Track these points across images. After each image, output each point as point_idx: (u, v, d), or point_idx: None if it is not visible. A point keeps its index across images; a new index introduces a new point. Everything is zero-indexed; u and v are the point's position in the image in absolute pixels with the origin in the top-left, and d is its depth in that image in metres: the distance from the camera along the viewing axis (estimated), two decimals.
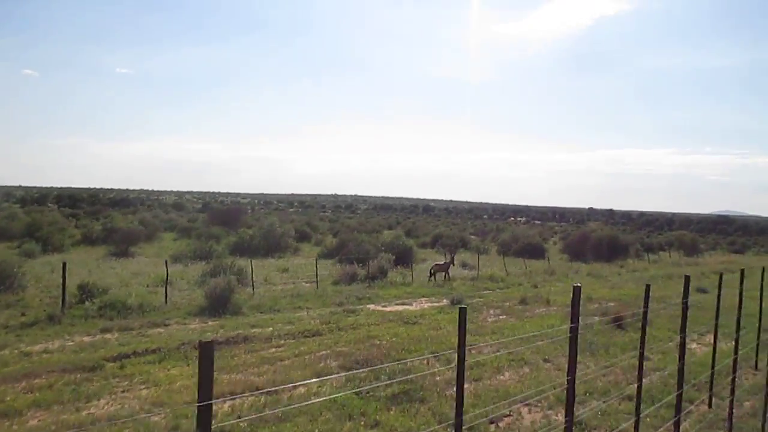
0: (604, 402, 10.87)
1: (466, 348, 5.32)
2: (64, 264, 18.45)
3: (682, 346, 9.16)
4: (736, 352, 11.28)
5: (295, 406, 9.70)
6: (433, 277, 28.66)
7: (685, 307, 9.10)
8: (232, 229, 51.92)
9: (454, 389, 11.64)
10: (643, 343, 8.60)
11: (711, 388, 11.42)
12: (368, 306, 21.57)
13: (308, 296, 22.54)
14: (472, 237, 64.92)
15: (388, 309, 21.14)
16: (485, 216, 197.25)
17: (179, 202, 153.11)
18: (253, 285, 23.09)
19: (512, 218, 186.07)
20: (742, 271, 11.89)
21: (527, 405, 10.57)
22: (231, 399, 10.23)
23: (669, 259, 53.42)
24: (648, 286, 8.61)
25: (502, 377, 12.40)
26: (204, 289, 19.92)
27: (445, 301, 22.60)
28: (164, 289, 20.32)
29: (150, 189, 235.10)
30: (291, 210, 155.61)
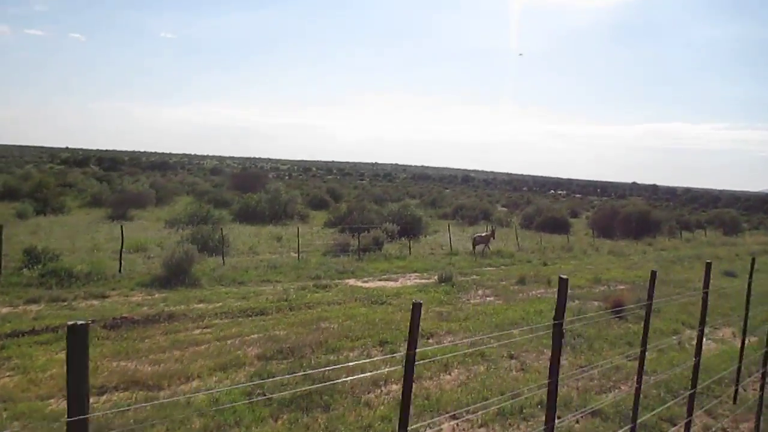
0: (559, 419, 8.58)
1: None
2: (0, 226, 16.71)
3: (699, 341, 8.30)
4: None
5: (167, 403, 7.73)
6: (483, 247, 27.93)
7: (705, 297, 8.15)
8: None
9: (377, 393, 9.59)
10: (645, 340, 7.40)
11: (737, 382, 9.37)
12: (346, 281, 19.49)
13: (285, 268, 20.54)
14: (502, 209, 62.24)
15: (366, 285, 19.03)
16: (524, 188, 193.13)
17: (218, 166, 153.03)
18: (223, 254, 21.16)
19: (552, 191, 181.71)
20: None
21: (456, 418, 8.36)
22: (98, 395, 8.33)
23: (705, 238, 49.87)
24: (654, 273, 7.27)
25: (446, 377, 10.16)
26: (162, 258, 18.07)
27: (435, 278, 20.33)
28: (120, 256, 18.50)
29: (192, 153, 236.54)
30: (329, 177, 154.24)
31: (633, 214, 44.76)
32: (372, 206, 35.16)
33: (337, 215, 33.61)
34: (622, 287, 20.70)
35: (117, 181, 58.72)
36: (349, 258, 23.65)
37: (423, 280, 20.22)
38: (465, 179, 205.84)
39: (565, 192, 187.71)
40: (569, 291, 19.45)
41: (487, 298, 17.55)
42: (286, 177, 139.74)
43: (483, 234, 29.50)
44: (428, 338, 12.58)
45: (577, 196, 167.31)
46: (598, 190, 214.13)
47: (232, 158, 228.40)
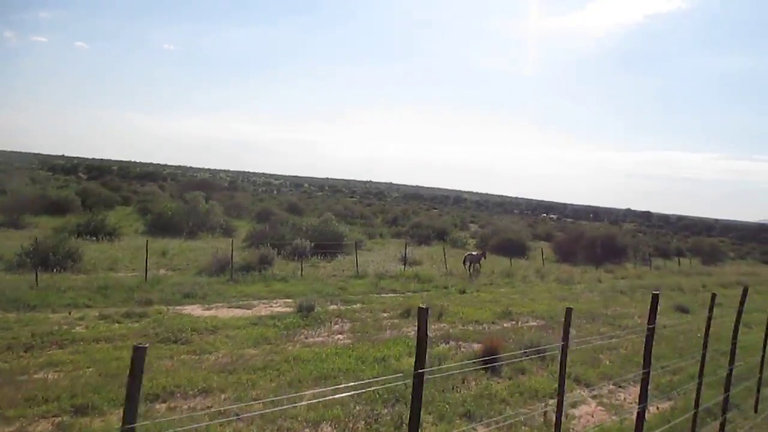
0: None
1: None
2: None
3: (644, 390, 6.97)
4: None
5: None
6: (469, 266, 27.29)
7: (649, 336, 7.01)
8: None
9: None
10: (560, 404, 6.10)
11: None
12: (184, 308, 15.45)
13: (115, 290, 16.51)
14: (476, 229, 58.18)
15: (205, 314, 14.98)
16: (515, 211, 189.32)
17: (206, 179, 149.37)
18: (37, 274, 17.02)
19: (544, 215, 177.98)
20: (745, 290, 9.38)
21: None
22: None
23: (678, 267, 45.69)
24: (569, 311, 6.21)
25: None
26: None
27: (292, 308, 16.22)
28: None
29: (188, 165, 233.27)
30: (320, 194, 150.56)
31: (598, 238, 40.64)
32: (295, 220, 31.06)
33: (254, 230, 29.56)
34: (533, 323, 16.64)
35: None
36: (222, 278, 19.61)
37: (286, 309, 16.13)
38: (457, 200, 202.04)
39: (556, 216, 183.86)
40: (448, 329, 15.03)
41: (337, 336, 13.47)
42: (260, 190, 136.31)
43: (474, 253, 28.90)
44: (159, 400, 8.52)
45: (569, 220, 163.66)
46: (591, 215, 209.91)
47: (226, 171, 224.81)
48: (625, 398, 11.00)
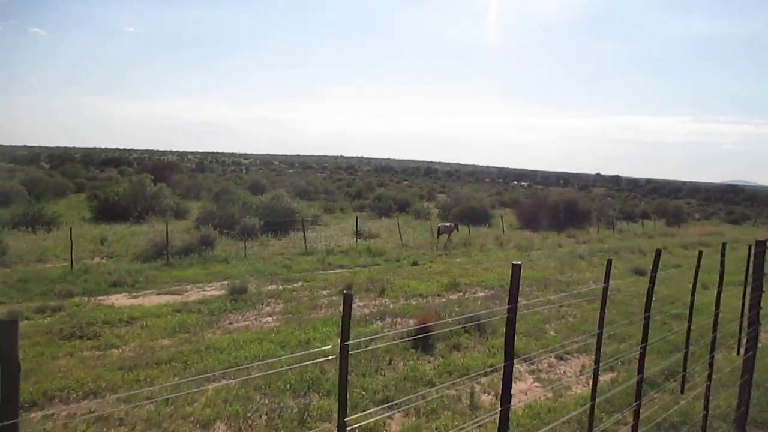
0: None
1: None
2: None
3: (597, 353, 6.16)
4: None
5: None
6: (447, 236, 27.91)
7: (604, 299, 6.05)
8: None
9: None
10: (507, 379, 4.32)
11: None
12: (108, 297, 14.42)
13: (43, 281, 15.42)
14: (444, 198, 57.41)
15: (130, 302, 13.97)
16: (487, 180, 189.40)
17: (172, 162, 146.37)
18: None
19: (515, 182, 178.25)
20: (700, 253, 8.16)
21: None
22: None
23: (641, 229, 45.51)
24: (517, 268, 4.31)
25: None
26: None
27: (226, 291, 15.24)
28: None
29: (156, 149, 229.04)
30: (290, 171, 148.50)
31: (560, 203, 40.11)
32: (247, 198, 29.90)
33: (205, 211, 28.34)
34: (481, 294, 15.89)
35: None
36: (157, 263, 18.54)
37: (221, 292, 15.15)
38: (427, 171, 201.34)
39: (527, 183, 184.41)
40: (389, 304, 14.05)
41: (266, 319, 12.56)
42: (228, 170, 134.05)
43: (447, 224, 29.24)
44: (36, 407, 7.54)
45: (539, 187, 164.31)
46: (561, 181, 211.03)
47: (195, 153, 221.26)
48: (565, 371, 10.26)
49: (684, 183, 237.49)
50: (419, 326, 10.73)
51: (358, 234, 26.82)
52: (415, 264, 20.84)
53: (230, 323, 12.15)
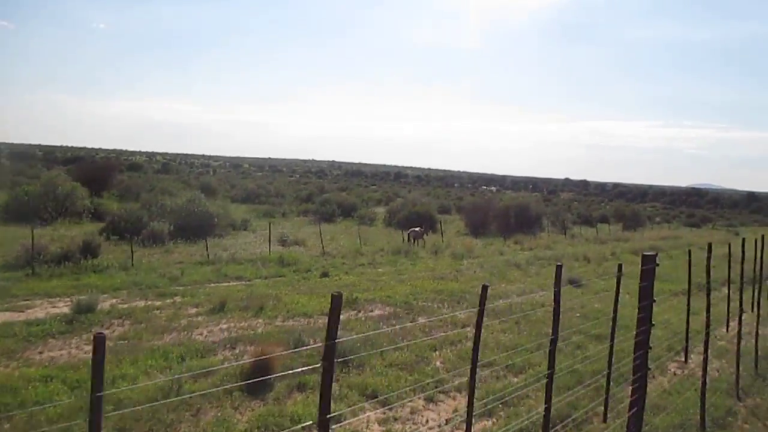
0: None
1: None
2: None
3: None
4: None
5: None
6: (413, 242, 28.28)
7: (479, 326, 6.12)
8: (101, 189, 42.58)
9: None
10: None
11: None
12: None
13: None
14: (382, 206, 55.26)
15: None
16: (456, 185, 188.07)
17: (137, 163, 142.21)
18: None
19: (484, 187, 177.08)
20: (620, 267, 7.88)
21: None
22: None
23: (595, 234, 43.79)
24: (337, 298, 4.00)
25: None
26: None
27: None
28: None
29: (124, 149, 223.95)
30: (259, 174, 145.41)
31: (511, 208, 38.20)
32: (165, 200, 27.39)
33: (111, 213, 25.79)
34: (378, 312, 13.73)
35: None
36: (21, 273, 16.09)
37: (54, 309, 12.74)
38: (398, 176, 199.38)
39: (496, 188, 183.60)
40: (259, 326, 11.49)
41: (89, 347, 10.22)
42: (196, 172, 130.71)
43: (417, 229, 29.63)
44: None
45: (508, 191, 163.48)
46: (530, 186, 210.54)
47: (164, 154, 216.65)
48: (428, 419, 8.09)
49: (651, 187, 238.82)
50: (255, 362, 8.52)
51: (280, 241, 24.55)
52: (324, 275, 18.61)
53: (41, 352, 9.82)
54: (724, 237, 42.04)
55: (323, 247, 23.46)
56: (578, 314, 14.88)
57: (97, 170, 47.38)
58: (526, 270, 22.41)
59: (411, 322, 12.92)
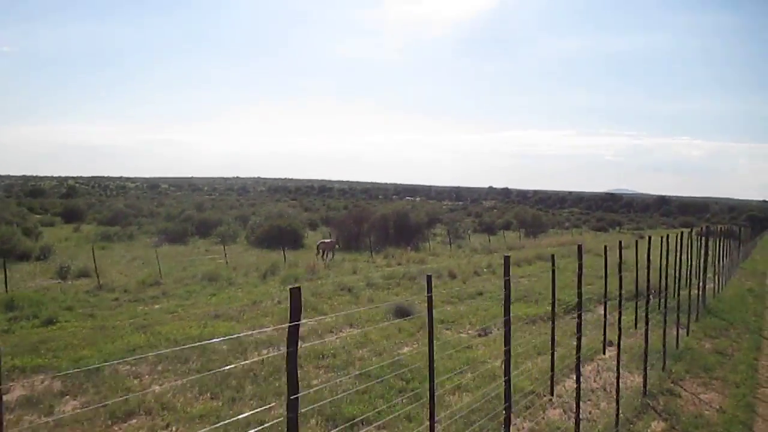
0: None
1: None
2: None
3: None
4: None
5: None
6: (321, 255, 26.23)
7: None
8: None
9: None
10: None
11: None
12: None
13: None
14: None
15: None
16: (380, 196, 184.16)
17: (38, 187, 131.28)
18: None
19: (408, 198, 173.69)
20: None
21: None
22: None
23: (489, 243, 39.56)
24: None
25: None
26: None
27: None
28: None
29: (32, 174, 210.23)
30: (179, 194, 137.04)
31: (390, 218, 33.41)
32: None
33: None
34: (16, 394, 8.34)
35: None
36: None
37: None
38: (322, 189, 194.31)
39: (419, 198, 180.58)
40: None
41: None
42: (107, 195, 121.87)
43: (327, 240, 27.99)
44: None
45: (430, 201, 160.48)
46: (454, 194, 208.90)
47: (77, 178, 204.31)
48: None
49: (570, 193, 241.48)
50: None
51: (58, 273, 18.85)
52: (50, 322, 13.05)
53: None
54: (626, 240, 38.64)
55: (98, 280, 17.76)
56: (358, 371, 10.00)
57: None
58: (358, 294, 17.49)
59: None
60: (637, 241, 11.58)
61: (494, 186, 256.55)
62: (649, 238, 12.27)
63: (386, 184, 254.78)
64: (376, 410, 7.92)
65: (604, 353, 12.00)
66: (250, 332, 11.73)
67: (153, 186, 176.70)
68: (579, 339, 7.86)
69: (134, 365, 9.87)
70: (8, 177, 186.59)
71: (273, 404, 8.07)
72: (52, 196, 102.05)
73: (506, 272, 6.11)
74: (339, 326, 13.36)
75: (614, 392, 9.66)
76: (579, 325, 8.03)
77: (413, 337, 12.37)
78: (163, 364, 9.96)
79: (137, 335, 11.74)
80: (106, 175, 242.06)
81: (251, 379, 9.24)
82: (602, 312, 16.54)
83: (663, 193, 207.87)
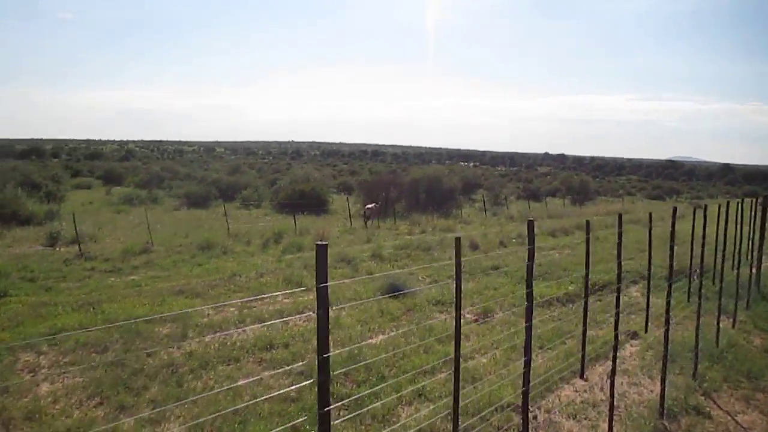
0: None
1: None
2: None
3: None
4: None
5: None
6: (367, 220, 25.26)
7: None
8: None
9: None
10: None
11: None
12: None
13: None
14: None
15: None
16: (433, 161, 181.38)
17: (98, 151, 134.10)
18: None
19: (462, 163, 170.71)
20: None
21: None
22: None
23: (530, 210, 36.91)
24: None
25: None
26: None
27: None
28: None
29: (96, 138, 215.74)
30: (233, 157, 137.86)
31: (421, 183, 31.24)
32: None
33: None
34: None
35: None
36: None
37: None
38: (375, 154, 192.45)
39: (473, 163, 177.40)
40: None
41: None
42: (164, 157, 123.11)
43: (371, 206, 26.52)
44: None
45: (483, 166, 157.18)
46: (508, 160, 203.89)
47: (137, 142, 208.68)
48: None
49: (629, 160, 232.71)
50: None
51: (51, 237, 17.67)
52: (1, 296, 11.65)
53: None
54: (682, 210, 35.33)
55: (80, 248, 16.39)
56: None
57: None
58: (357, 267, 15.64)
59: None
60: (694, 210, 10.44)
61: (550, 152, 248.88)
62: (705, 207, 9.83)
63: (440, 149, 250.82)
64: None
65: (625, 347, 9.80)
66: (205, 307, 10.02)
67: (209, 150, 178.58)
68: (617, 315, 6.90)
69: (43, 353, 8.29)
70: (73, 141, 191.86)
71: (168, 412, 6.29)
72: (111, 159, 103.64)
73: (530, 240, 5.44)
74: (313, 306, 11.51)
75: (625, 407, 7.57)
76: (618, 300, 6.99)
77: (394, 323, 10.41)
78: (77, 353, 8.33)
79: (75, 314, 10.20)
80: (165, 139, 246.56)
81: (163, 378, 7.49)
82: (636, 294, 14.46)
83: (728, 161, 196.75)
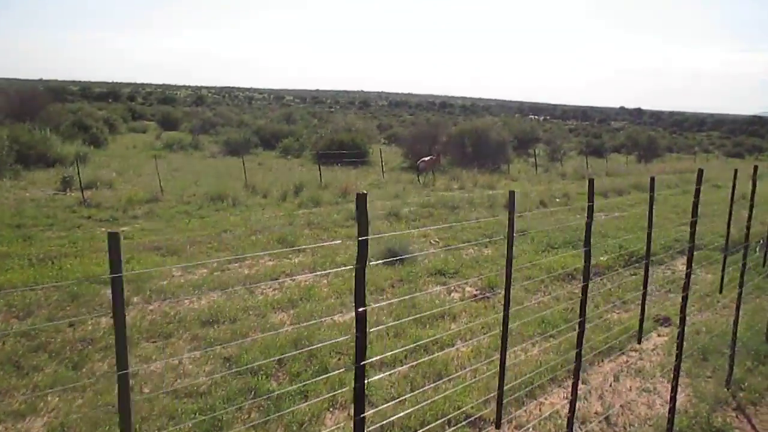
0: None
1: None
2: None
3: None
4: None
5: None
6: (420, 175, 23.67)
7: None
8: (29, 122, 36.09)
9: None
10: None
11: None
12: None
13: None
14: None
15: None
16: (502, 114, 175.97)
17: (171, 96, 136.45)
18: None
19: (532, 116, 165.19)
20: None
21: None
22: None
23: (590, 168, 34.25)
24: None
25: None
26: None
27: None
28: None
29: (172, 83, 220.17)
30: (301, 105, 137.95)
31: (466, 135, 29.22)
32: None
33: None
34: None
35: None
36: None
37: None
38: (443, 105, 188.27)
39: (543, 117, 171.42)
40: None
41: None
42: (230, 104, 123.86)
43: (426, 159, 24.60)
44: None
45: (554, 120, 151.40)
46: (579, 114, 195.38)
47: (210, 88, 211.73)
48: None
49: (711, 115, 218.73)
50: None
51: (64, 181, 17.09)
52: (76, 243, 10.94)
53: None
54: (762, 169, 31.88)
55: (83, 193, 15.63)
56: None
57: (27, 102, 40.58)
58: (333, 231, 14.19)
59: None
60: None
61: (626, 106, 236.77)
62: None
63: (510, 101, 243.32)
64: None
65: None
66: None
67: (278, 98, 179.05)
68: (688, 276, 5.57)
69: None
70: (149, 85, 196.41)
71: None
72: (182, 104, 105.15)
73: (590, 197, 5.12)
74: (295, 270, 10.21)
75: (623, 425, 5.96)
76: (690, 260, 5.63)
77: (373, 296, 8.97)
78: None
79: (30, 269, 9.28)
80: (237, 85, 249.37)
81: (66, 356, 6.37)
82: (682, 267, 12.44)
83: None
